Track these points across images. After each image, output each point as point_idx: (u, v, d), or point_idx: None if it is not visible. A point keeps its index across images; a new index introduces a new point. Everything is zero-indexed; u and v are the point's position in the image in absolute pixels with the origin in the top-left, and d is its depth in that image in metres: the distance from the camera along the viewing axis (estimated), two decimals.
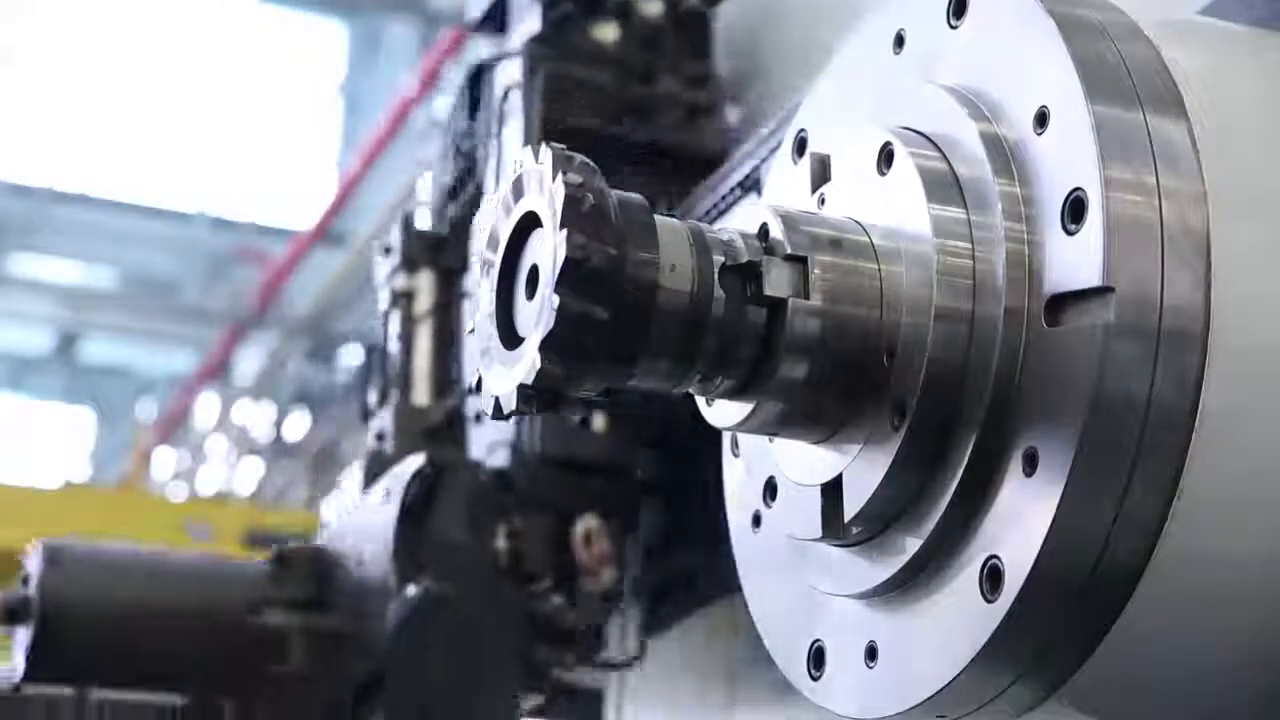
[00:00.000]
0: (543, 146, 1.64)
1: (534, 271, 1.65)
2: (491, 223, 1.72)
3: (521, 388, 1.62)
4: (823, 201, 1.82)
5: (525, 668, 2.99)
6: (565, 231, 1.58)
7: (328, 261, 17.24)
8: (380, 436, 3.58)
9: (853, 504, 1.71)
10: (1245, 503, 1.58)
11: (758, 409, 1.73)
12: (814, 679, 1.82)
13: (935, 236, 1.66)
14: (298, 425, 16.67)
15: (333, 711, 3.01)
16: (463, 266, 3.51)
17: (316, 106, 22.62)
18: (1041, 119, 1.62)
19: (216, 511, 13.70)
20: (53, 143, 21.80)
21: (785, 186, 1.91)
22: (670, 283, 1.63)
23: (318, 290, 17.21)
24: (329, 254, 17.35)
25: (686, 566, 3.23)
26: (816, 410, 1.72)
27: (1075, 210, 1.57)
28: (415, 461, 3.04)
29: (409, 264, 3.65)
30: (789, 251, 1.68)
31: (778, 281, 1.67)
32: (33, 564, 2.88)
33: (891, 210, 1.72)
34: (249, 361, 18.94)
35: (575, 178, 1.60)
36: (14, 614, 2.85)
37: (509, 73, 3.41)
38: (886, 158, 1.73)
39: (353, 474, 3.42)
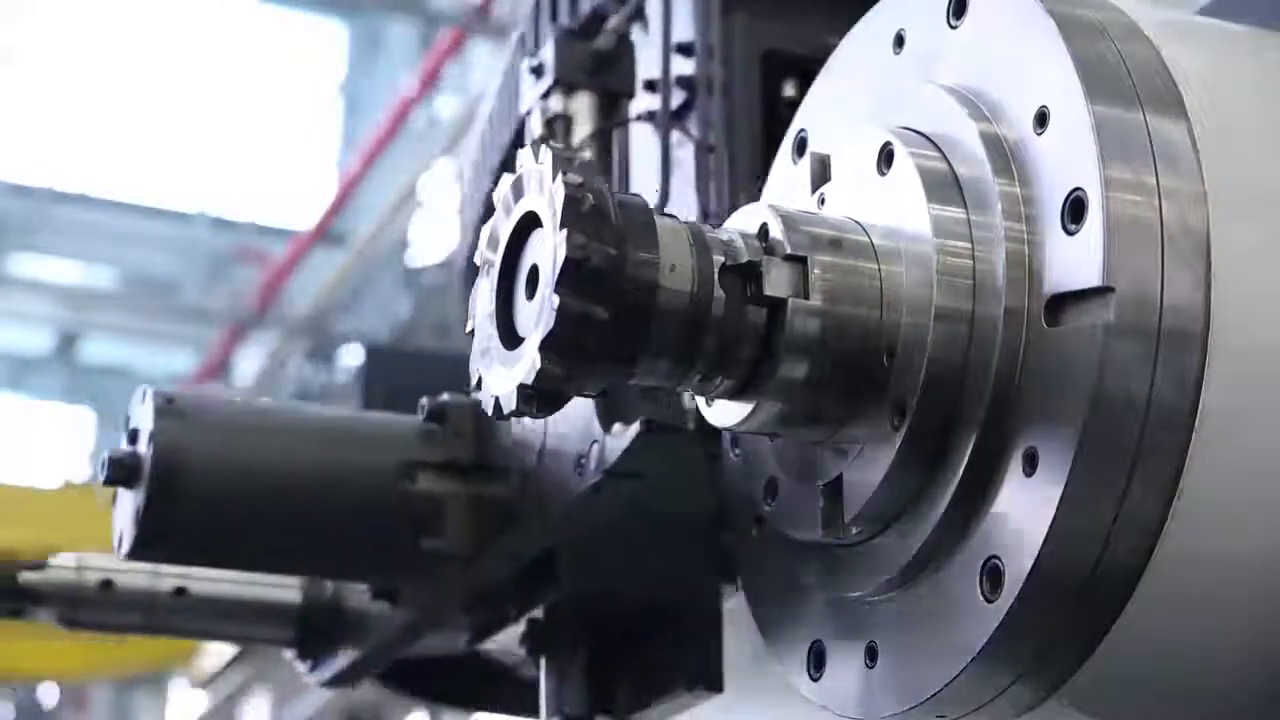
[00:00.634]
0: (543, 147, 1.64)
1: (534, 271, 1.65)
2: (491, 223, 1.73)
3: (521, 388, 1.62)
4: (823, 201, 1.82)
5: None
6: (565, 231, 1.58)
7: (328, 261, 17.22)
8: None
9: (853, 504, 1.71)
10: (1245, 502, 1.58)
11: (758, 409, 1.73)
12: (814, 679, 1.82)
13: (935, 236, 1.66)
14: None
15: (493, 598, 2.55)
16: (629, 91, 2.93)
17: (316, 106, 22.59)
18: (1041, 119, 1.62)
19: None
20: (53, 143, 21.77)
21: (785, 186, 1.91)
22: (670, 283, 1.63)
23: (318, 290, 17.20)
24: (329, 254, 17.33)
25: None
26: (816, 410, 1.72)
27: (1075, 210, 1.57)
28: None
29: (566, 86, 2.98)
30: (789, 251, 1.68)
31: (778, 281, 1.67)
32: (142, 416, 2.32)
33: (891, 210, 1.72)
34: (249, 361, 18.91)
35: (575, 178, 1.61)
36: (125, 475, 2.34)
37: None
38: (886, 158, 1.73)
39: None
